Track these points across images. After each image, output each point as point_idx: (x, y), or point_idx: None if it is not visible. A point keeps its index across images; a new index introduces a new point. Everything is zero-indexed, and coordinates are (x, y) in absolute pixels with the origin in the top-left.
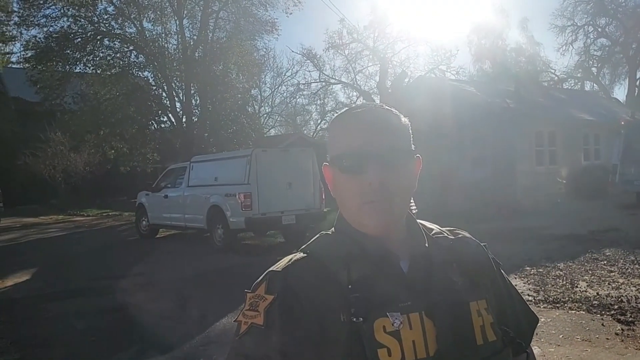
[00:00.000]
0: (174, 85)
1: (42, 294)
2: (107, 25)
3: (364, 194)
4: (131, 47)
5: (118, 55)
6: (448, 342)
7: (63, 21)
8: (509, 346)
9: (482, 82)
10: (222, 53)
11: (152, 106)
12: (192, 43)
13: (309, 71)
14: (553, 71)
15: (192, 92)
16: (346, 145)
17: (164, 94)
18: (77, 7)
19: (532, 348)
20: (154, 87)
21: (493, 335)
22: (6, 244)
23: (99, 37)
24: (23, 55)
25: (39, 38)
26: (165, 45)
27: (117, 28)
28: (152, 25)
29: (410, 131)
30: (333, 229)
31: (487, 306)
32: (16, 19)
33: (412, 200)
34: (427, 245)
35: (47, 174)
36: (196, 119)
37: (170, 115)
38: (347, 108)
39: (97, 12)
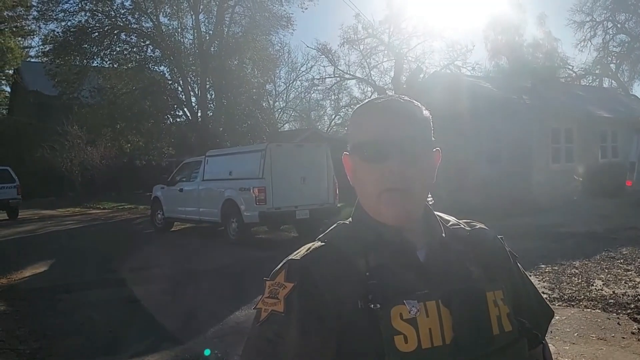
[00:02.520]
0: (189, 80)
1: (59, 284)
2: (124, 19)
3: (384, 182)
4: (147, 42)
5: (135, 49)
6: (464, 330)
7: (81, 15)
8: (524, 337)
9: (499, 78)
10: (238, 48)
11: (167, 100)
12: (207, 38)
13: (324, 66)
14: (571, 67)
15: (208, 86)
16: (367, 134)
17: (179, 88)
18: (94, 2)
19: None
20: (170, 82)
21: (509, 326)
22: (24, 236)
23: (116, 32)
24: (41, 49)
25: (57, 32)
26: (182, 40)
27: (133, 22)
28: (169, 20)
29: (431, 124)
30: (350, 218)
31: (504, 297)
32: (35, 13)
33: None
34: (444, 235)
35: (64, 167)
36: (211, 114)
37: (185, 109)
38: (369, 99)
39: (115, 7)
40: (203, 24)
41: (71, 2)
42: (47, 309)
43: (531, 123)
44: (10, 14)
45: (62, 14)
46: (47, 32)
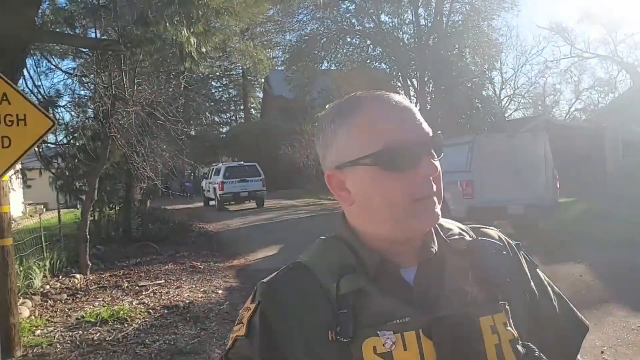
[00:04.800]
0: (408, 74)
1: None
2: (348, 23)
3: (418, 190)
4: (369, 42)
5: (357, 50)
6: None
7: (312, 24)
8: None
9: None
10: (457, 37)
11: None
12: (426, 30)
13: (558, 47)
14: None
15: (426, 79)
16: (390, 136)
17: (398, 83)
18: (322, 9)
19: None
20: (392, 78)
21: (512, 354)
22: (263, 223)
23: (341, 35)
24: (281, 58)
25: (293, 41)
26: (400, 35)
27: (357, 25)
28: (389, 18)
29: None
30: (333, 233)
31: (507, 320)
32: (277, 27)
33: None
34: (435, 250)
35: (301, 162)
36: (429, 107)
37: None
38: (351, 95)
39: (340, 12)
40: (422, 17)
41: (305, 12)
42: None
43: None
44: (260, 29)
45: (297, 24)
46: (285, 42)
